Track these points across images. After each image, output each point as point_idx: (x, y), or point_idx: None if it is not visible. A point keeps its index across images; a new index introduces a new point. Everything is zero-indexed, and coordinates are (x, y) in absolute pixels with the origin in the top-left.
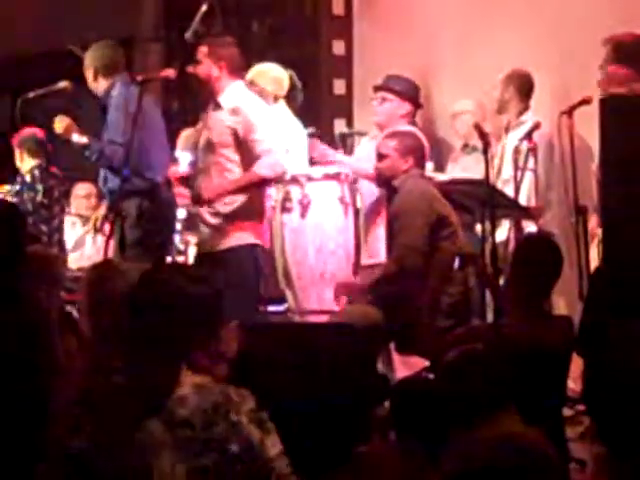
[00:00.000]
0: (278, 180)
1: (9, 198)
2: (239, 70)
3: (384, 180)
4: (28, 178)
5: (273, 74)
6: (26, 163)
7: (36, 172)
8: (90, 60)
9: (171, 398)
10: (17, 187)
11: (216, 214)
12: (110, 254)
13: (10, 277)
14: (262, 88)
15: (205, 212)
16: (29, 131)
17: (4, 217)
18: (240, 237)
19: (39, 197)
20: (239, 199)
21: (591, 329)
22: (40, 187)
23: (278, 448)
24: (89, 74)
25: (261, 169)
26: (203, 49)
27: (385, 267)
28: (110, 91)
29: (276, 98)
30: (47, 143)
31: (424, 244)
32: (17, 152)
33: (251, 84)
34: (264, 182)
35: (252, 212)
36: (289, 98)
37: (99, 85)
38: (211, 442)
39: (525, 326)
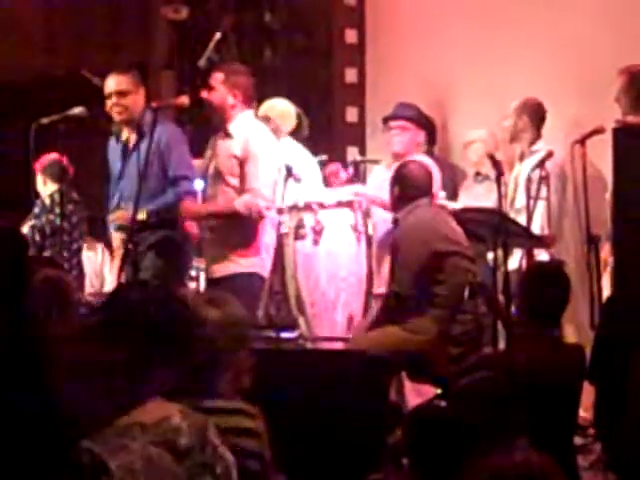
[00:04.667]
0: (292, 207)
1: (31, 222)
2: (252, 99)
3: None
4: (47, 202)
5: (280, 108)
6: (47, 188)
7: (56, 196)
8: (139, 83)
9: (167, 428)
10: (36, 210)
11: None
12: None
13: (14, 307)
14: (278, 125)
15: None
16: (52, 157)
17: (3, 244)
18: (238, 264)
19: (58, 221)
20: (239, 227)
21: (603, 358)
22: (59, 211)
23: None
24: (137, 96)
25: (239, 204)
26: (218, 76)
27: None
28: (157, 118)
29: (283, 134)
30: (69, 168)
31: (411, 284)
32: (39, 177)
33: (266, 120)
34: (236, 216)
35: (250, 241)
36: (295, 133)
37: (142, 109)
38: (206, 466)
39: (536, 354)
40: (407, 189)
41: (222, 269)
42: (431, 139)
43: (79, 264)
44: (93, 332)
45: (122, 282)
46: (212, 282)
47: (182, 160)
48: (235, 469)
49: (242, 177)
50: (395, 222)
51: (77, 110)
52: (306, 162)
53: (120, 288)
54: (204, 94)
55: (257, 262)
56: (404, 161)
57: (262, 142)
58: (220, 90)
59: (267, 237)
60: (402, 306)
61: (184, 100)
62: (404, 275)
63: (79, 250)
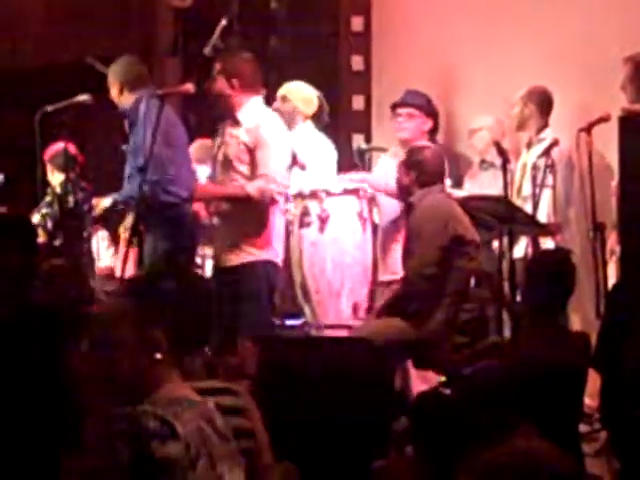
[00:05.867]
0: (297, 195)
1: (43, 210)
2: (254, 86)
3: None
4: (58, 190)
5: (303, 93)
6: (56, 177)
7: (66, 185)
8: (115, 75)
9: (209, 408)
10: (48, 198)
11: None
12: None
13: (23, 292)
14: (295, 106)
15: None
16: (58, 147)
17: (13, 230)
18: (253, 253)
19: (69, 208)
20: (251, 215)
21: (609, 345)
22: (70, 199)
23: None
24: (114, 89)
25: (250, 188)
26: (217, 65)
27: (397, 289)
28: (137, 106)
29: (304, 117)
30: (78, 156)
31: (434, 268)
32: (48, 167)
33: (283, 100)
34: (248, 200)
35: (263, 229)
36: (316, 118)
37: (125, 100)
38: (235, 454)
39: (541, 342)
40: (423, 175)
41: (234, 258)
42: (434, 127)
43: (89, 252)
44: (126, 314)
45: (151, 269)
46: (222, 271)
47: (139, 148)
48: None
49: (252, 164)
50: (409, 207)
51: (82, 97)
52: (322, 148)
53: (149, 275)
54: (207, 85)
55: (270, 249)
56: (417, 147)
57: (273, 129)
58: (219, 79)
59: (278, 224)
60: (412, 293)
61: (189, 87)
62: (420, 259)
63: (89, 237)
